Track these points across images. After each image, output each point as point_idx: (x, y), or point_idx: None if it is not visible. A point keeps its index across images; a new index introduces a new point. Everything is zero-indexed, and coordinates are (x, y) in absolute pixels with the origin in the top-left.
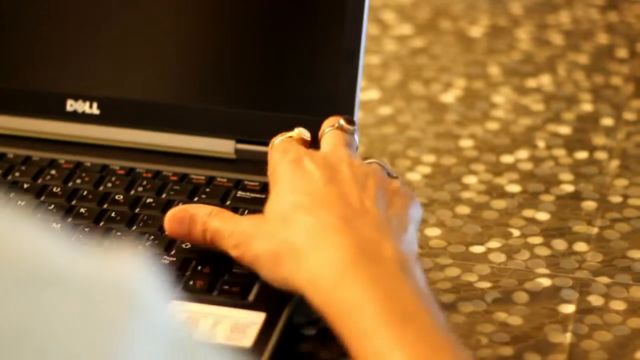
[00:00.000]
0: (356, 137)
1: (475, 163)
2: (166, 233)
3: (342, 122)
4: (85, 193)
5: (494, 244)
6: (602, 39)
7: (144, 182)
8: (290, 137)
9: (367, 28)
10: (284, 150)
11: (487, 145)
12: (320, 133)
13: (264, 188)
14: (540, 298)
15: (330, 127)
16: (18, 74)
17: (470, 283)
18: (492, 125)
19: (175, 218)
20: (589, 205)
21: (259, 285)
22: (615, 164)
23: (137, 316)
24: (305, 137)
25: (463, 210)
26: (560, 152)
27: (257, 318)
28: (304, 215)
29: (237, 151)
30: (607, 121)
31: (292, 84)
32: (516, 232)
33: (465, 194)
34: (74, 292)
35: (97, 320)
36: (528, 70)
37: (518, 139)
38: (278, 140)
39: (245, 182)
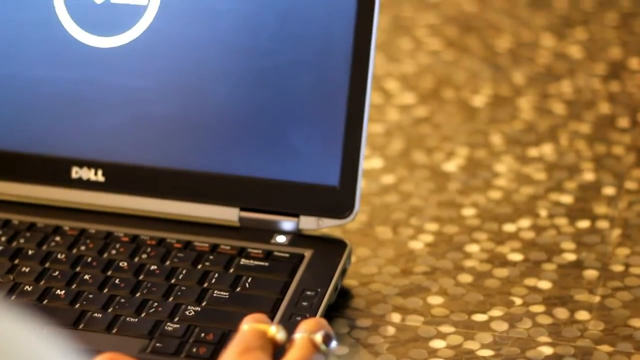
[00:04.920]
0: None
1: (477, 232)
2: None
3: (318, 337)
4: (89, 260)
5: (496, 312)
6: (604, 108)
7: (148, 249)
8: (263, 332)
9: (371, 97)
10: (244, 351)
11: (490, 214)
12: (293, 335)
13: (268, 256)
14: None
15: (305, 334)
16: (24, 140)
17: (472, 351)
18: (495, 194)
19: None
20: (591, 274)
21: None
22: (617, 233)
23: None
24: (279, 340)
25: (465, 278)
26: (562, 221)
27: None
28: None
29: (241, 219)
30: (609, 190)
31: (296, 152)
32: (518, 301)
33: (468, 263)
34: None
35: None
36: (530, 140)
37: (520, 207)
38: (247, 326)
39: (249, 250)
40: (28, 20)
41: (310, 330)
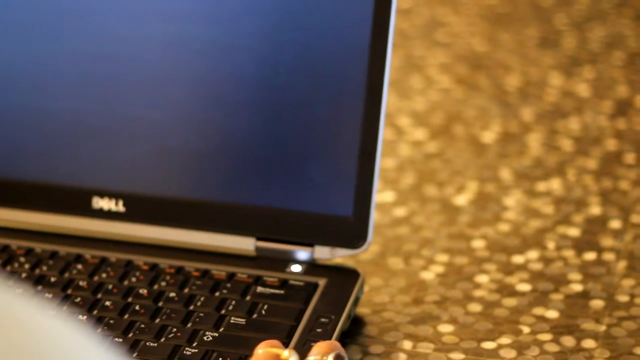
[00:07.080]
0: None
1: (486, 263)
2: None
3: (330, 359)
4: (110, 287)
5: (504, 340)
6: (611, 145)
7: (167, 277)
8: (277, 355)
9: (384, 133)
10: None
11: (499, 245)
12: (306, 358)
13: (283, 284)
14: None
15: (317, 356)
16: (46, 171)
17: None
18: (503, 227)
19: None
20: (597, 304)
21: None
22: (622, 264)
23: None
24: None
25: (475, 307)
26: (569, 253)
27: None
28: None
29: (257, 249)
30: (615, 224)
31: (312, 183)
32: (526, 329)
33: (477, 292)
34: None
35: None
36: (538, 175)
37: (528, 240)
38: (262, 351)
39: (265, 278)
40: (53, 54)
41: (322, 353)
